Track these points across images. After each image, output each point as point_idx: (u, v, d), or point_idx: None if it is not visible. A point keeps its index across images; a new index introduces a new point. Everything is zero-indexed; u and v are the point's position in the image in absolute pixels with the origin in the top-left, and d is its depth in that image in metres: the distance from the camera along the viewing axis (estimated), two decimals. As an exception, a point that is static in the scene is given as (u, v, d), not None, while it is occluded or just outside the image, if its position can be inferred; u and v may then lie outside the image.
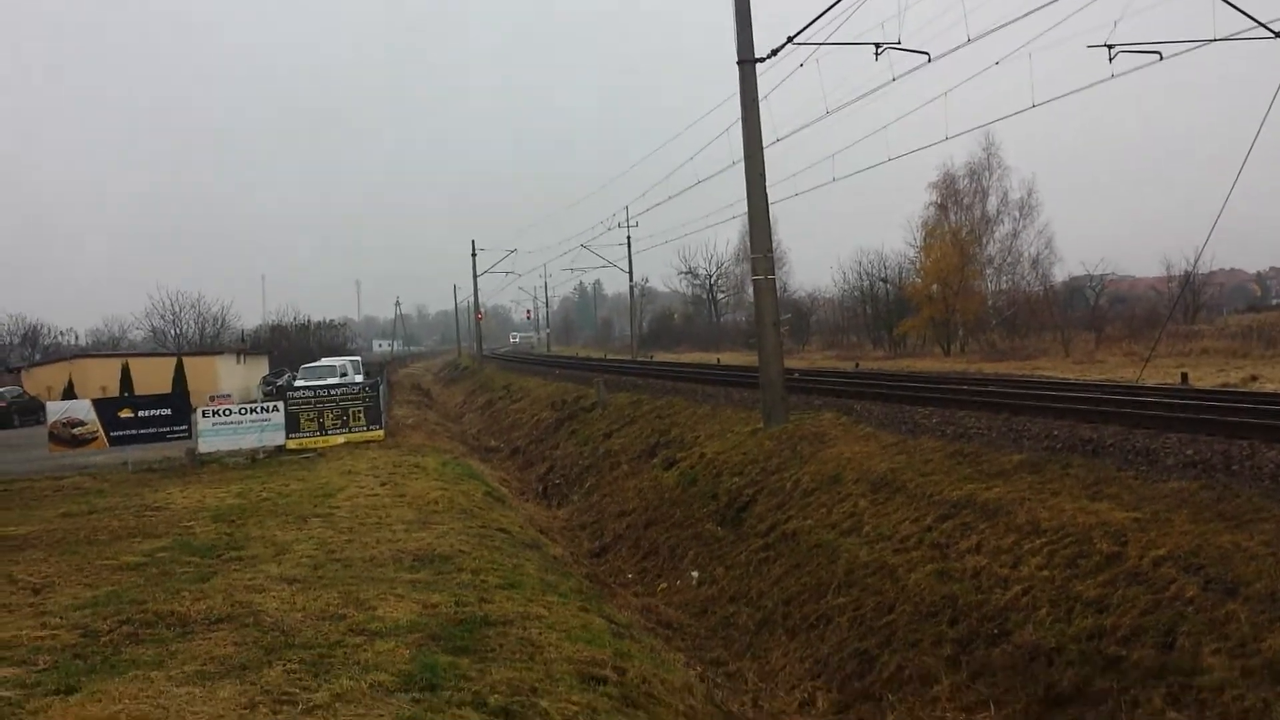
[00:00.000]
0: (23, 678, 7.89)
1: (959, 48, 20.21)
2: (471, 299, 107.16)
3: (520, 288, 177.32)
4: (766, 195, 22.43)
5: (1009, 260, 71.48)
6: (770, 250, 22.69)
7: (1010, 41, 22.03)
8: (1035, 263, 70.75)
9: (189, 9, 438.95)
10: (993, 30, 19.70)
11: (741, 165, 22.76)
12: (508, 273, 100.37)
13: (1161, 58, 21.71)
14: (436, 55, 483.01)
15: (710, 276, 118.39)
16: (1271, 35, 21.68)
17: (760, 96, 22.32)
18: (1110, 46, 21.61)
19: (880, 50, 21.39)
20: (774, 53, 21.55)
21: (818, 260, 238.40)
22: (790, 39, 21.20)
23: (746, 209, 22.82)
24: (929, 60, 21.41)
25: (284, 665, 8.04)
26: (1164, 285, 72.34)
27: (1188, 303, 65.76)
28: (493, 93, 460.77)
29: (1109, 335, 54.73)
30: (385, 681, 7.62)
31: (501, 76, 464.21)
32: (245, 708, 6.96)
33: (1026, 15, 19.04)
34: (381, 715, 6.79)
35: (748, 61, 21.80)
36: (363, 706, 7.01)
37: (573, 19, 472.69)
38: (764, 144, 22.44)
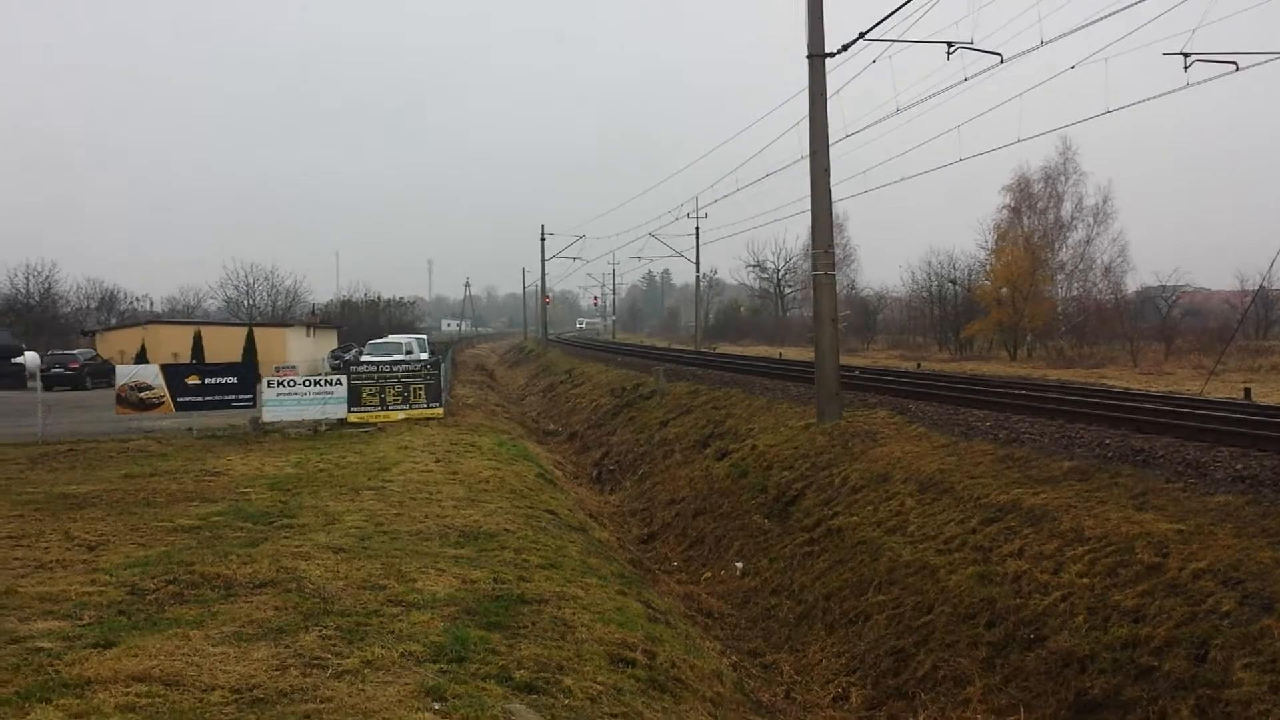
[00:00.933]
0: (66, 630, 8.16)
1: (1032, 50, 20.02)
2: (540, 283, 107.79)
3: (588, 274, 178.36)
4: (830, 191, 22.38)
5: (1081, 267, 70.40)
6: (831, 246, 22.64)
7: (1085, 46, 21.81)
8: (1108, 270, 69.65)
9: None
10: (1067, 34, 19.50)
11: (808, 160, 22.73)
12: (575, 259, 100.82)
13: (1238, 68, 21.34)
14: (519, 55, 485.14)
15: (778, 271, 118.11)
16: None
17: (830, 92, 22.27)
18: (1186, 55, 21.27)
19: (952, 50, 21.24)
20: (844, 48, 21.48)
21: (888, 259, 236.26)
22: (862, 35, 21.11)
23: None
24: (1001, 61, 21.22)
25: (320, 631, 8.24)
26: (1239, 299, 70.91)
27: (1259, 318, 64.48)
28: (573, 76, 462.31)
29: (1179, 347, 53.80)
30: (416, 651, 7.79)
31: (587, 58, 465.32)
32: (276, 669, 7.16)
33: (1100, 19, 18.81)
34: (407, 683, 6.94)
35: (818, 56, 21.76)
36: (390, 674, 7.18)
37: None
38: (834, 139, 22.42)
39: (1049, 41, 19.78)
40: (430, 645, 8.00)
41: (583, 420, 39.99)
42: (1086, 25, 19.57)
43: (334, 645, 7.85)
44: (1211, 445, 15.08)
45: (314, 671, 7.17)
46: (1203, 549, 10.25)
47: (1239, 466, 13.38)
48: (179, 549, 11.85)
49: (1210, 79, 20.84)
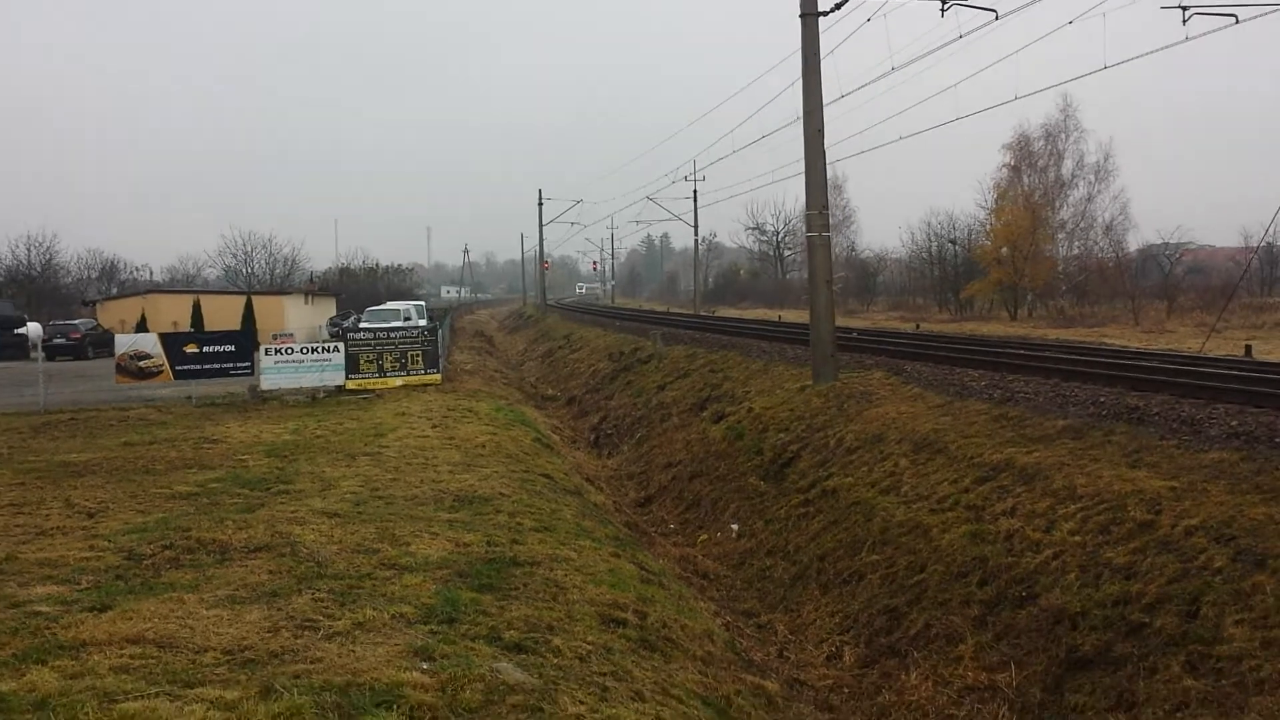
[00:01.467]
0: (64, 595, 8.24)
1: (1028, 5, 19.89)
2: (538, 249, 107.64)
3: (587, 239, 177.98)
4: (824, 152, 22.28)
5: (1082, 225, 70.17)
6: (825, 207, 22.55)
7: (1082, 1, 21.65)
8: (1109, 229, 69.38)
9: None
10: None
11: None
12: (573, 223, 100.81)
13: (1238, 20, 21.21)
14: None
15: (778, 233, 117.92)
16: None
17: (825, 52, 22.14)
18: (1185, 8, 21.16)
19: (946, 6, 21.11)
20: (837, 6, 21.32)
21: (888, 220, 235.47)
22: (855, -8, 20.95)
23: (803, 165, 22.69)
24: (996, 17, 21.08)
25: (313, 594, 8.30)
26: (1243, 256, 70.74)
27: (1265, 275, 64.33)
28: (564, 41, 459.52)
29: (1181, 305, 53.73)
30: (407, 613, 7.84)
31: (575, 24, 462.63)
32: (268, 631, 7.22)
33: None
34: (397, 644, 7.00)
35: (810, 15, 21.59)
36: (381, 635, 7.23)
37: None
38: (829, 100, 22.31)
39: (1044, -4, 19.65)
40: (421, 607, 8.06)
41: (581, 385, 40.03)
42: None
43: (326, 608, 7.91)
44: (1207, 402, 15.07)
45: (305, 633, 7.23)
46: (1195, 506, 10.28)
47: (1234, 423, 13.38)
48: (176, 515, 11.92)
49: (1210, 32, 20.72)
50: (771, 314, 70.23)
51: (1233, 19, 21.35)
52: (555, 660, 7.27)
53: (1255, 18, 20.66)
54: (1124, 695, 8.67)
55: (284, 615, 7.64)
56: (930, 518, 13.18)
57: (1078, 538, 10.81)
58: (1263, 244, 56.92)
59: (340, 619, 7.58)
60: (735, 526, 17.40)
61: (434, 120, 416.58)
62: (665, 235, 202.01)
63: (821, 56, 22.06)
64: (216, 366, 28.29)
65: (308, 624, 7.44)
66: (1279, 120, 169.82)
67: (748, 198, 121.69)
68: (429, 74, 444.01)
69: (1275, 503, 9.86)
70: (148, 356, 27.89)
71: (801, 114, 22.42)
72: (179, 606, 7.77)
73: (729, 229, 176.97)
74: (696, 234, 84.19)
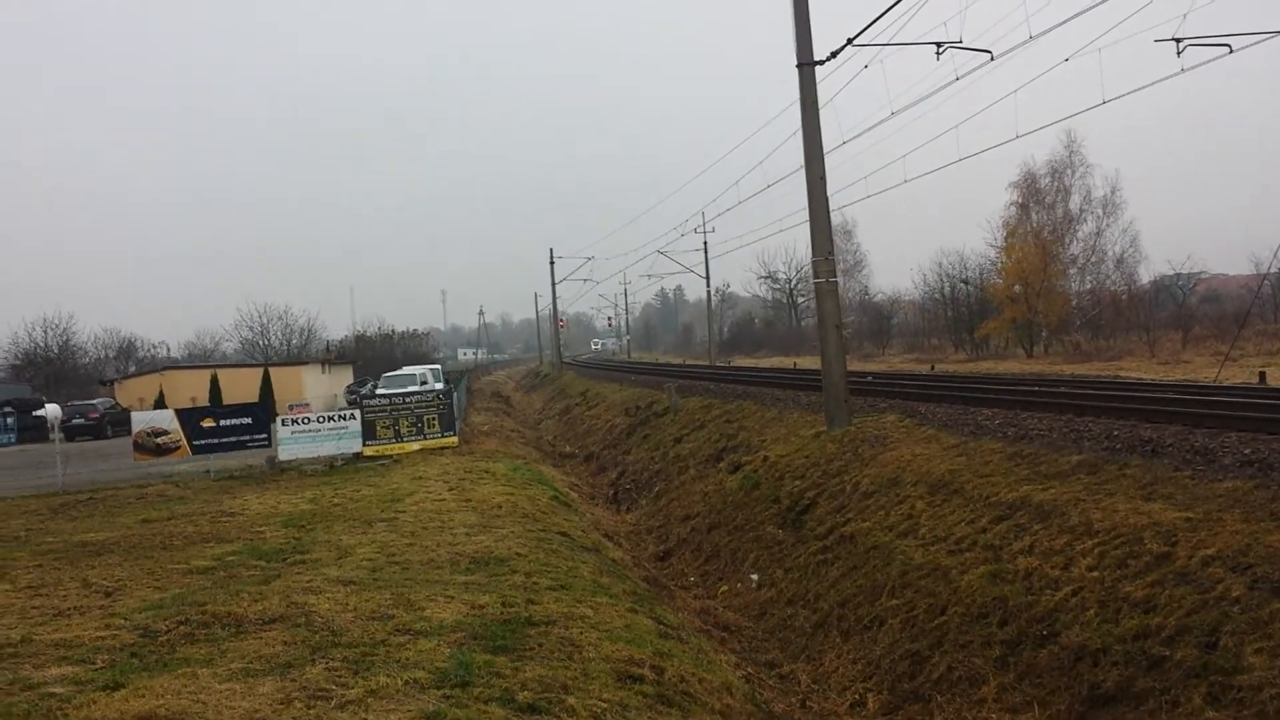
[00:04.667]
0: (78, 675, 8.24)
1: (1021, 45, 20.06)
2: (552, 307, 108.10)
3: (600, 295, 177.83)
4: (827, 198, 22.41)
5: (1093, 260, 70.21)
6: (831, 253, 22.64)
7: (1077, 39, 21.83)
8: (1120, 262, 69.44)
9: (273, 21, 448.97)
10: (1054, 27, 19.54)
11: (805, 169, 22.77)
12: (585, 280, 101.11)
13: (1231, 50, 21.34)
14: (516, 66, 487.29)
15: (790, 280, 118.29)
16: (1350, 24, 21.17)
17: (823, 100, 22.32)
18: (1178, 40, 21.31)
19: (941, 50, 21.30)
20: (833, 55, 21.53)
21: (900, 263, 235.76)
22: (850, 41, 21.17)
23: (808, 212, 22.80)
24: (992, 58, 21.27)
25: (326, 663, 8.29)
26: (1258, 283, 70.63)
27: (1278, 300, 64.03)
28: (578, 105, 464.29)
29: (1196, 335, 53.57)
30: (420, 679, 7.83)
31: (585, 83, 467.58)
32: (281, 703, 7.21)
33: (1087, 10, 18.84)
34: (409, 710, 6.99)
35: (807, 64, 21.79)
36: (394, 702, 7.21)
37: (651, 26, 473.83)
38: (830, 147, 22.53)
39: (1038, 36, 19.83)
40: (435, 672, 8.04)
41: (598, 441, 40.04)
42: (1074, 17, 19.62)
43: (339, 676, 7.90)
44: (1220, 431, 14.99)
45: (318, 703, 7.21)
46: (1211, 536, 10.20)
47: (1247, 451, 13.29)
48: (193, 590, 11.95)
49: (1204, 63, 20.84)
50: (787, 361, 70.22)
51: (1227, 49, 21.48)
52: (569, 720, 7.25)
53: (1248, 46, 20.78)
54: (1148, 731, 8.58)
55: (297, 686, 7.63)
56: (949, 559, 13.10)
57: (1096, 573, 10.72)
58: (1273, 271, 56.67)
59: (353, 687, 7.57)
60: (755, 576, 17.31)
61: (446, 184, 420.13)
62: (679, 288, 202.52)
63: (820, 104, 22.25)
64: (234, 439, 28.50)
65: (320, 694, 7.43)
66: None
67: (758, 246, 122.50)
68: (437, 141, 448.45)
69: (1292, 530, 9.78)
70: (165, 433, 28.14)
71: (803, 162, 22.57)
72: (192, 681, 7.77)
73: (741, 278, 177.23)
74: (709, 285, 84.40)
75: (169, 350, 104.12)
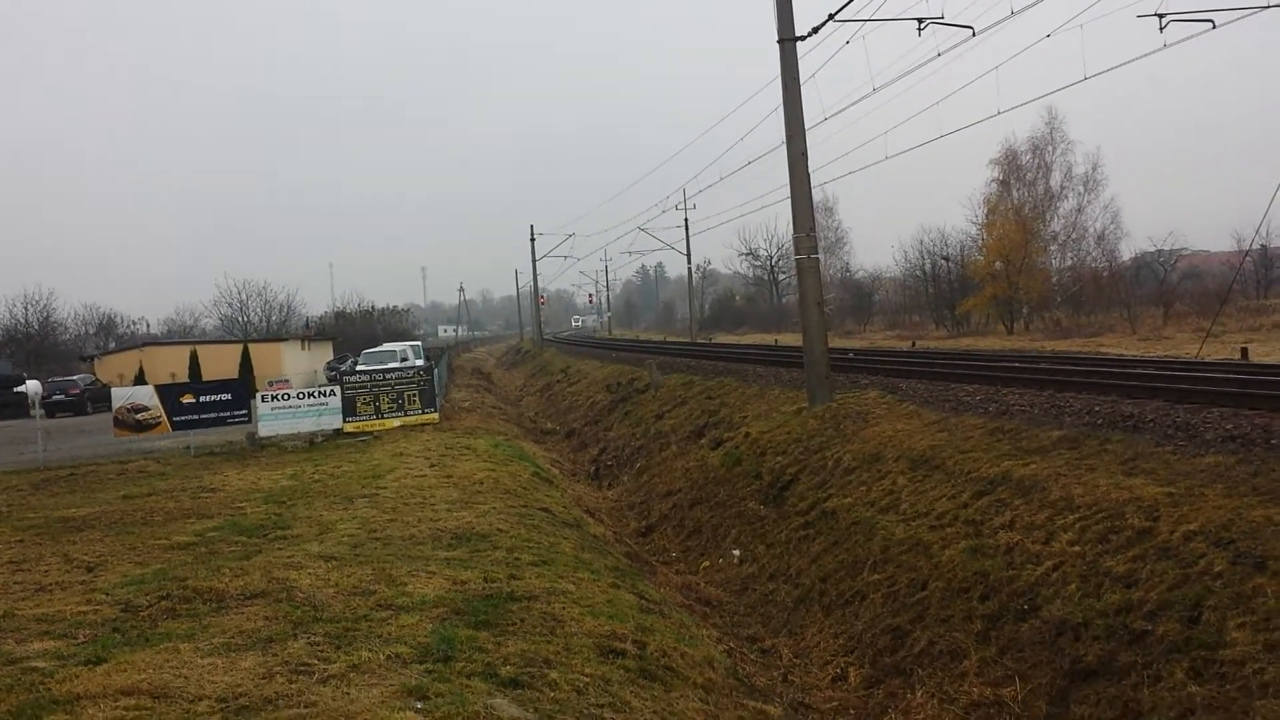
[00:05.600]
0: (60, 650, 8.21)
1: (1003, 21, 20.01)
2: (532, 283, 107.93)
3: (582, 272, 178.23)
4: (809, 175, 22.34)
5: (1074, 236, 70.23)
6: (813, 230, 22.58)
7: (1059, 14, 21.80)
8: (1101, 238, 69.45)
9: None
10: (1036, 3, 19.46)
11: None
12: (566, 256, 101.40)
13: (1215, 25, 21.32)
14: (497, 38, 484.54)
15: (771, 257, 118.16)
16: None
17: (804, 76, 22.21)
18: (1161, 16, 21.28)
19: (923, 25, 21.25)
20: (815, 30, 21.43)
21: (882, 240, 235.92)
22: (831, 16, 21.07)
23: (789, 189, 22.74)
24: (973, 34, 21.19)
25: (308, 638, 8.27)
26: (1238, 260, 70.91)
27: (1260, 277, 64.39)
28: (555, 78, 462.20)
29: (1178, 311, 53.76)
30: (403, 653, 7.81)
31: (565, 61, 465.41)
32: (263, 677, 7.18)
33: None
34: (391, 685, 6.96)
35: (788, 40, 21.70)
36: (376, 677, 7.19)
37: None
38: (812, 123, 22.43)
39: (1020, 11, 19.77)
40: (417, 646, 8.02)
41: (580, 417, 40.02)
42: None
43: (321, 651, 7.87)
44: (1202, 407, 15.03)
45: (300, 678, 7.19)
46: (1193, 511, 10.23)
47: (1229, 426, 13.33)
48: (174, 565, 11.89)
49: (1187, 38, 20.83)
50: (768, 338, 70.26)
51: (1210, 24, 21.48)
52: (551, 694, 7.23)
53: (1232, 21, 20.76)
54: (1129, 704, 8.61)
55: (279, 661, 7.60)
56: (930, 534, 13.13)
57: (1077, 548, 10.76)
58: (1255, 246, 57.03)
59: (335, 662, 7.54)
60: (737, 552, 17.34)
61: (426, 161, 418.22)
62: (660, 265, 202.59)
63: (802, 81, 22.16)
64: (214, 415, 28.34)
65: (302, 668, 7.40)
66: (1265, 122, 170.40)
67: (739, 223, 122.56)
68: (415, 120, 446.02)
69: (1273, 504, 9.81)
70: (145, 409, 27.96)
71: (785, 138, 22.50)
72: (174, 656, 7.74)
73: (723, 255, 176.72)
74: (690, 262, 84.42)
75: (149, 326, 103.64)
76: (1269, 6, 21.19)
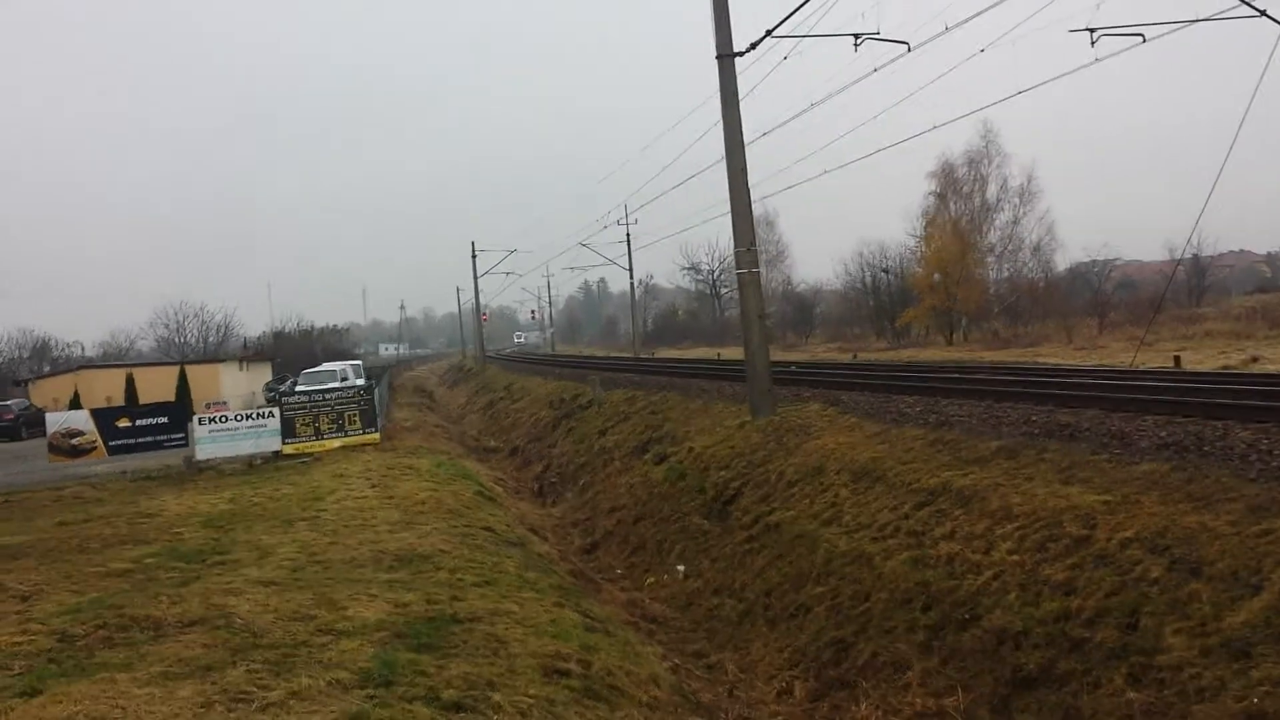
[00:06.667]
0: (-7, 682, 8.01)
1: (937, 37, 20.28)
2: (475, 300, 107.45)
3: (524, 288, 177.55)
4: (748, 190, 22.46)
5: (1010, 248, 71.41)
6: (753, 244, 22.70)
7: (992, 30, 22.14)
8: (1037, 249, 70.68)
9: (188, 10, 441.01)
10: (969, 19, 19.77)
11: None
12: (508, 273, 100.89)
13: (1144, 40, 21.77)
14: (433, 60, 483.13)
15: (713, 272, 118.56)
16: (1256, 14, 21.74)
17: (743, 92, 22.37)
18: (1092, 30, 21.69)
19: (859, 41, 21.46)
20: (753, 46, 21.58)
21: (822, 253, 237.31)
22: (768, 33, 21.23)
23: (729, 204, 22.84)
24: (909, 50, 21.45)
25: (247, 665, 8.13)
26: (1172, 269, 72.25)
27: (1193, 286, 65.66)
28: (484, 93, 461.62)
29: (1113, 321, 54.71)
30: (344, 679, 7.71)
31: (501, 78, 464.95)
32: (201, 706, 7.06)
33: (1002, 1, 19.09)
34: (331, 711, 6.88)
35: (727, 56, 21.83)
36: (316, 704, 7.10)
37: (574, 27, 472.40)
38: (751, 138, 22.56)
39: (954, 27, 20.06)
40: (358, 671, 7.93)
41: (523, 435, 39.88)
42: (990, 8, 19.87)
43: (260, 678, 7.75)
44: (1137, 415, 15.24)
45: (239, 706, 7.08)
46: (1129, 518, 10.37)
47: (1164, 434, 13.54)
48: (111, 593, 11.65)
49: (1118, 52, 21.26)
50: (711, 352, 70.43)
51: (1139, 38, 21.91)
52: (495, 717, 7.19)
53: (1161, 35, 21.22)
54: (1070, 712, 8.71)
55: (217, 689, 7.48)
56: (872, 546, 13.22)
57: (1016, 557, 10.87)
58: (1186, 256, 58.16)
59: (275, 689, 7.43)
60: (681, 567, 17.34)
61: (367, 179, 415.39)
62: (602, 280, 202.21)
63: (741, 96, 22.31)
64: (150, 439, 27.92)
65: (241, 696, 7.29)
66: (1196, 134, 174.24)
67: (682, 238, 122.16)
68: (355, 139, 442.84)
69: (1207, 511, 9.97)
70: (80, 434, 27.51)
71: (724, 153, 22.61)
72: (111, 686, 7.58)
73: (665, 270, 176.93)
74: (632, 277, 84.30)
75: (83, 350, 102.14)
76: (1196, 21, 21.69)
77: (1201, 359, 32.02)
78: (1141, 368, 26.24)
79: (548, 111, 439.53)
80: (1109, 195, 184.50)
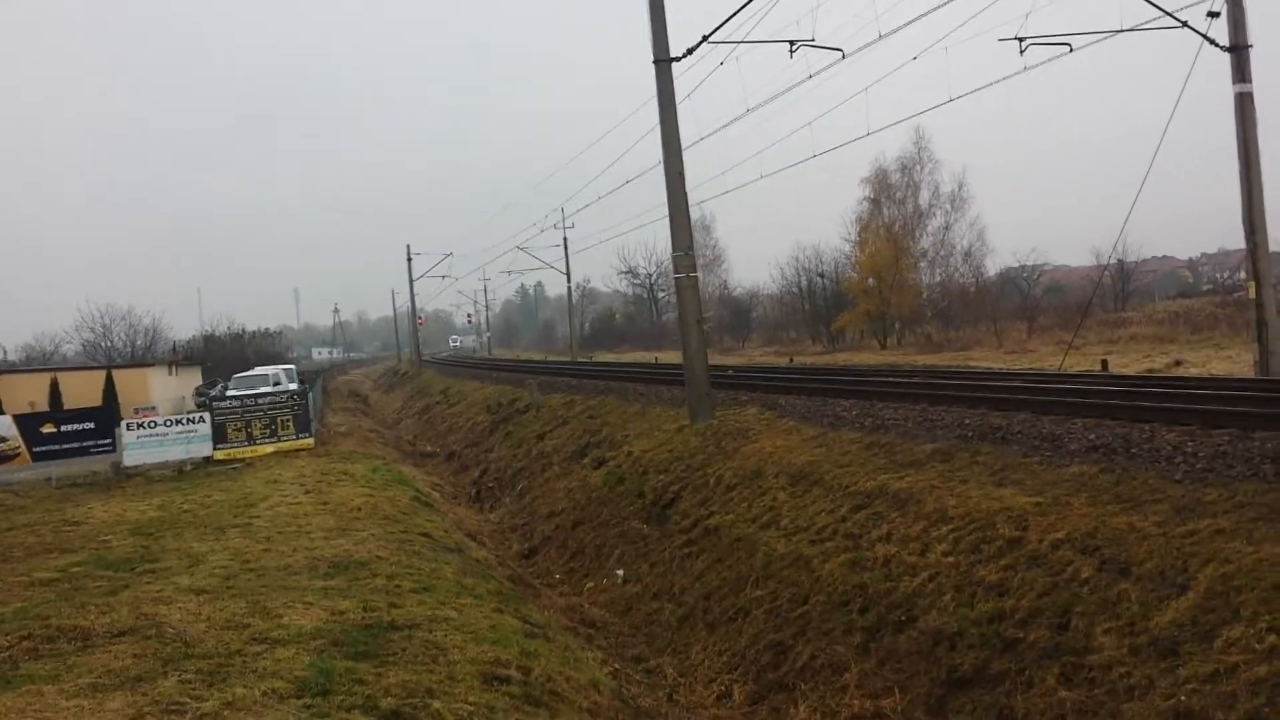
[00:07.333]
0: (-87, 697, 7.78)
1: (871, 44, 20.52)
2: (410, 304, 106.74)
3: (460, 291, 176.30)
4: (686, 194, 22.54)
5: (942, 253, 72.17)
6: (691, 248, 22.79)
7: (925, 38, 22.41)
8: (968, 255, 71.50)
9: (188, 10, 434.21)
10: (902, 27, 20.05)
11: (663, 165, 22.85)
12: (444, 276, 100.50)
13: (1071, 49, 22.20)
14: (366, 59, 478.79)
15: (651, 276, 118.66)
16: (1178, 25, 22.24)
17: (681, 96, 22.46)
18: (1021, 40, 22.09)
19: (795, 47, 21.64)
20: (690, 51, 21.68)
21: (759, 258, 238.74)
22: (705, 38, 21.34)
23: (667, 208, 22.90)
24: (843, 56, 21.69)
25: (179, 676, 7.97)
26: (1098, 274, 73.49)
27: (1118, 290, 66.82)
28: (426, 98, 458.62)
29: (1041, 325, 55.51)
30: (279, 688, 7.58)
31: (438, 80, 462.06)
32: (132, 718, 6.92)
33: (934, 11, 19.35)
34: (268, 721, 6.77)
35: (664, 61, 21.89)
36: (251, 714, 6.98)
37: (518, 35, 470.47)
38: (689, 143, 22.67)
39: (887, 35, 20.30)
40: (294, 680, 7.80)
41: (460, 439, 39.64)
42: (921, 17, 20.13)
43: (193, 689, 7.60)
44: (1066, 418, 15.50)
45: (171, 717, 6.94)
46: (1060, 520, 10.53)
47: (1092, 436, 13.78)
48: (36, 603, 11.38)
49: (1046, 61, 21.66)
50: (649, 356, 70.47)
51: (1066, 47, 22.33)
52: (435, 725, 7.11)
53: (1088, 45, 21.63)
54: (1004, 711, 8.81)
55: (149, 700, 7.32)
56: (810, 549, 13.29)
57: (951, 558, 10.99)
58: (1112, 261, 59.15)
59: (208, 700, 7.29)
60: (620, 572, 17.32)
61: (300, 182, 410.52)
62: (539, 284, 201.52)
63: (678, 101, 22.38)
64: (76, 445, 27.42)
65: (174, 707, 7.14)
66: (1122, 141, 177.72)
67: (619, 242, 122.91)
68: (288, 142, 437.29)
69: (1135, 512, 10.15)
70: (2, 440, 26.95)
71: (662, 158, 22.66)
72: (37, 699, 7.39)
73: (602, 274, 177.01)
74: (569, 281, 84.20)
75: (5, 354, 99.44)
76: (1120, 31, 22.13)
77: (1127, 362, 32.62)
78: (1070, 371, 26.66)
79: (489, 114, 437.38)
80: (1038, 201, 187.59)
